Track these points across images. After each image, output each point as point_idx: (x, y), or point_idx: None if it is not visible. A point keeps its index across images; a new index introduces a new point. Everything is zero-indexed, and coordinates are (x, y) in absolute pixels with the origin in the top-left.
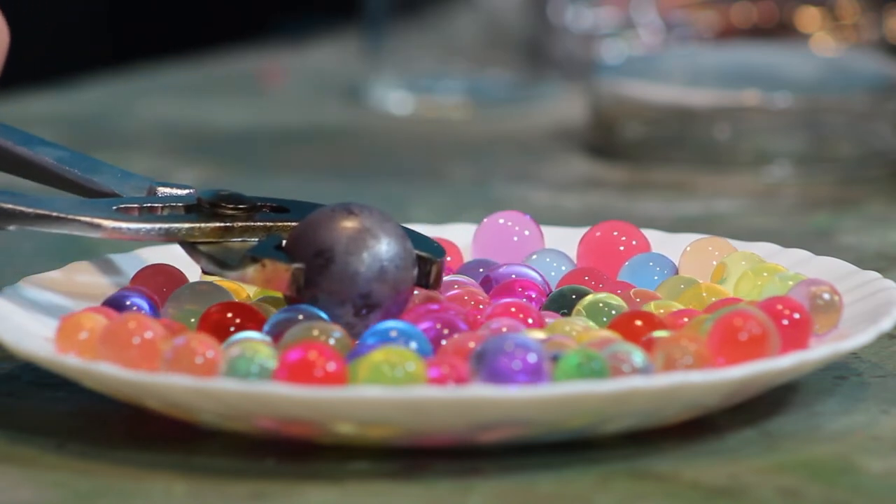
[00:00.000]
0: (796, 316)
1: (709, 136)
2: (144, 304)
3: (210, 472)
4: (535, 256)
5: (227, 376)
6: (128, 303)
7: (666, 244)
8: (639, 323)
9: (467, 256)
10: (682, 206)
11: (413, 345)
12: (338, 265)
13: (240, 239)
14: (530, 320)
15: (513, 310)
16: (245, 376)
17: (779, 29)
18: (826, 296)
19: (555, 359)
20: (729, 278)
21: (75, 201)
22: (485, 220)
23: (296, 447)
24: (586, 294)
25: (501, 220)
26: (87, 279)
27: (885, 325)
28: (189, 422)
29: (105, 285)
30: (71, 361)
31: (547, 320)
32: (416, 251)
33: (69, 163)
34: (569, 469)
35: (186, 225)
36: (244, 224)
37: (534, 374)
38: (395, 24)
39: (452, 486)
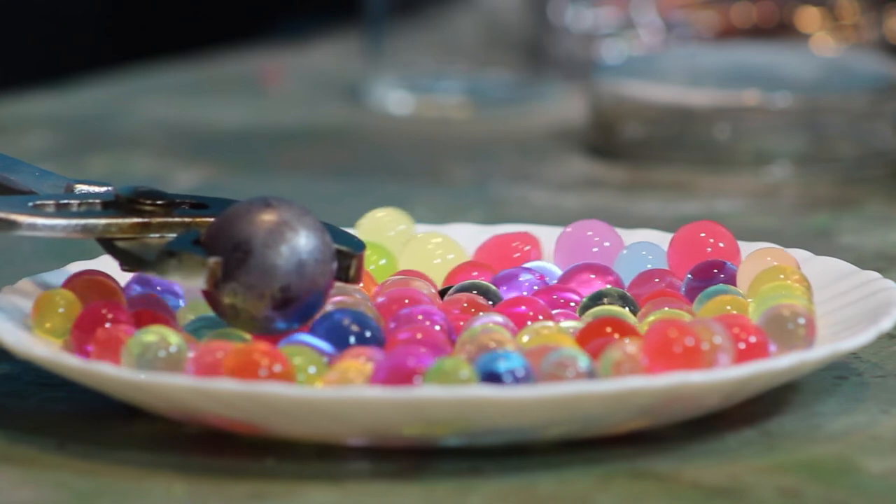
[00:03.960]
0: (752, 339)
1: (709, 136)
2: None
3: (210, 472)
4: (625, 251)
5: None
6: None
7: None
8: (608, 329)
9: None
10: (682, 206)
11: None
12: (256, 258)
13: (158, 235)
14: (541, 317)
15: (523, 307)
16: (150, 362)
17: (779, 29)
18: (800, 320)
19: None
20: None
21: None
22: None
23: (296, 447)
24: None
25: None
26: None
27: (885, 325)
28: (189, 422)
29: None
30: (71, 361)
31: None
32: (336, 245)
33: None
34: (569, 469)
35: (104, 221)
36: (162, 220)
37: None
38: (395, 24)
39: (452, 486)
